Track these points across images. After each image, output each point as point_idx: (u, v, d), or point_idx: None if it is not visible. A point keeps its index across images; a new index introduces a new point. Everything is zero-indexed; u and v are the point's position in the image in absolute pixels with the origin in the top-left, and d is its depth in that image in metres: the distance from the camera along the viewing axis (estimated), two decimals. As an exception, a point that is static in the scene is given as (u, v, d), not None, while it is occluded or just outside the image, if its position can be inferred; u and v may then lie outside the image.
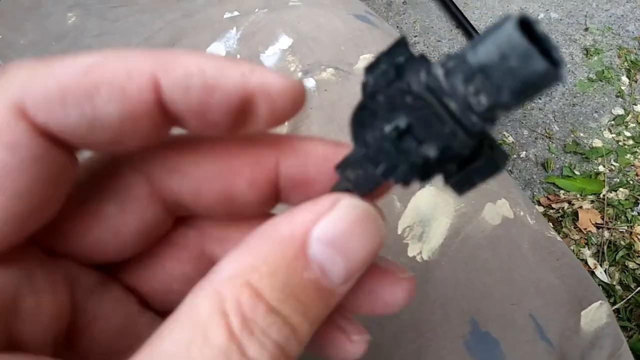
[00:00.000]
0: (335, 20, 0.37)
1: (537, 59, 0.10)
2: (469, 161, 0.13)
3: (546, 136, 0.87)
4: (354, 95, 0.33)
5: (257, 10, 0.39)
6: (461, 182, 0.13)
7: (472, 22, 0.94)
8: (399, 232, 0.30)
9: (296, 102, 0.13)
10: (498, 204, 0.32)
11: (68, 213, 0.14)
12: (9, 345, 0.12)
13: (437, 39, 0.94)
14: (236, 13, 0.40)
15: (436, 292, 0.29)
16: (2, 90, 0.12)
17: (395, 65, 0.12)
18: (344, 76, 0.34)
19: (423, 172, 0.12)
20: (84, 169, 0.14)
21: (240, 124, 0.13)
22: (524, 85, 0.10)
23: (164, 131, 0.13)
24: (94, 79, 0.11)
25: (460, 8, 0.95)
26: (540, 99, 0.90)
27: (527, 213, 0.34)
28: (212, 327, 0.11)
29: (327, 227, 0.13)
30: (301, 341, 0.12)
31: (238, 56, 0.36)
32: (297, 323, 0.12)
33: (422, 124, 0.12)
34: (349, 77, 0.34)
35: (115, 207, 0.14)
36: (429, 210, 0.31)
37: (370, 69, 0.13)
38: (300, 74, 0.34)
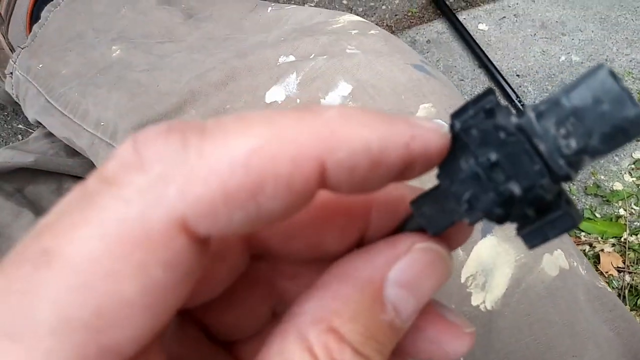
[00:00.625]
0: (394, 69, 0.38)
1: (629, 104, 0.10)
2: (545, 213, 0.13)
3: (568, 177, 0.88)
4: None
5: (312, 55, 0.41)
6: (534, 234, 0.13)
7: (494, 62, 0.96)
8: (462, 280, 0.30)
9: (446, 150, 0.13)
10: (555, 255, 0.33)
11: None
12: None
13: (460, 78, 0.96)
14: (292, 57, 0.41)
15: (500, 342, 0.29)
16: (159, 196, 0.10)
17: (484, 109, 0.13)
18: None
19: (504, 209, 0.12)
20: None
21: (393, 181, 0.13)
22: (615, 129, 0.11)
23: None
24: (258, 174, 0.10)
25: (483, 48, 0.97)
26: (561, 140, 0.91)
27: (579, 264, 0.35)
28: None
29: (403, 270, 0.13)
30: None
31: (298, 100, 0.37)
32: (377, 358, 0.13)
33: (511, 161, 0.12)
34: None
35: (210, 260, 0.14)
36: (490, 259, 0.31)
37: (457, 114, 0.13)
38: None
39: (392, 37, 0.43)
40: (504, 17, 1.04)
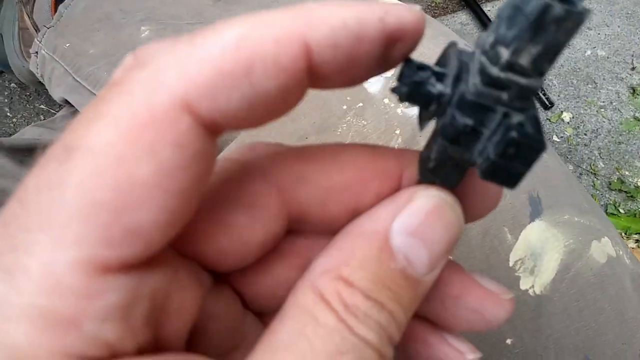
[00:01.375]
0: (439, 51, 0.38)
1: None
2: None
3: (591, 172, 0.87)
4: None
5: None
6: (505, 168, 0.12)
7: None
8: (511, 264, 0.30)
9: (422, 30, 0.13)
10: (602, 242, 0.33)
11: (198, 217, 0.14)
12: (155, 346, 0.13)
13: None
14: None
15: (549, 327, 0.29)
16: (160, 82, 0.11)
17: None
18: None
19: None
20: (215, 175, 0.15)
21: (378, 68, 0.13)
22: (532, 24, 0.10)
23: (303, 95, 0.13)
24: (248, 55, 0.11)
25: (508, 41, 0.96)
26: (585, 134, 0.90)
27: (624, 252, 0.34)
28: (320, 313, 0.12)
29: (406, 218, 0.13)
30: (400, 327, 0.13)
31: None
32: (393, 309, 0.13)
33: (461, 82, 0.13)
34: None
35: (245, 218, 0.14)
36: (539, 244, 0.31)
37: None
38: (407, 102, 0.35)
39: (434, 20, 0.42)
40: (530, 9, 1.02)
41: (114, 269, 0.10)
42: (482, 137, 0.12)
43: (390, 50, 0.12)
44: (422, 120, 0.14)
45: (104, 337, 0.10)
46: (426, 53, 0.38)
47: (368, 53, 0.12)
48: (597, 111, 0.92)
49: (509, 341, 0.29)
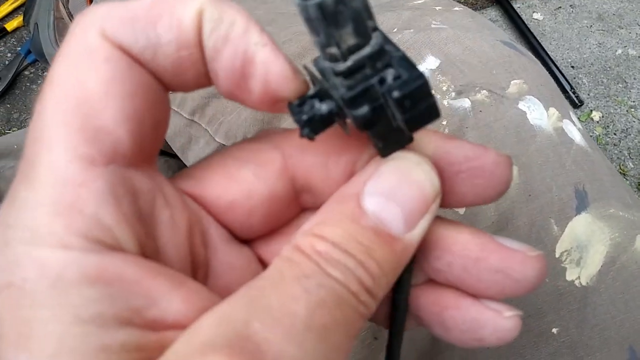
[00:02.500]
0: (484, 44, 0.38)
1: None
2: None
3: (621, 172, 0.87)
4: (508, 118, 0.34)
5: (395, 29, 0.41)
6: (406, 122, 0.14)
7: (549, 52, 0.94)
8: (557, 255, 0.30)
9: (291, 93, 0.14)
10: (646, 237, 0.33)
11: (211, 172, 0.16)
12: (155, 257, 0.14)
13: (512, 67, 0.94)
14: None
15: (595, 317, 0.29)
16: (90, 20, 0.14)
17: None
18: (497, 99, 0.35)
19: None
20: (232, 145, 0.17)
21: (239, 87, 0.15)
22: (303, 19, 0.12)
23: (206, 80, 0.15)
24: (158, 10, 0.14)
25: (538, 38, 0.95)
26: (615, 134, 0.90)
27: (667, 248, 0.34)
28: (297, 259, 0.14)
29: (377, 180, 0.15)
30: (378, 280, 0.14)
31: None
32: (364, 261, 0.14)
33: (324, 89, 0.14)
34: (503, 101, 0.35)
35: (250, 173, 0.16)
36: (585, 236, 0.31)
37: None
38: (453, 94, 0.35)
39: (477, 14, 0.42)
40: (560, 7, 1.02)
41: (98, 162, 0.13)
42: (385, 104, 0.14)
43: (248, 79, 0.15)
44: (384, 147, 0.15)
45: (103, 220, 0.13)
46: (471, 46, 0.39)
47: (228, 61, 0.14)
48: (627, 111, 0.91)
49: (554, 330, 0.29)
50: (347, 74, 0.13)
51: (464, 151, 0.15)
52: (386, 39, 0.13)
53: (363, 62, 0.13)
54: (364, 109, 0.13)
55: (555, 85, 0.39)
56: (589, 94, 0.92)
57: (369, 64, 0.13)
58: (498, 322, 0.15)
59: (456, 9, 0.41)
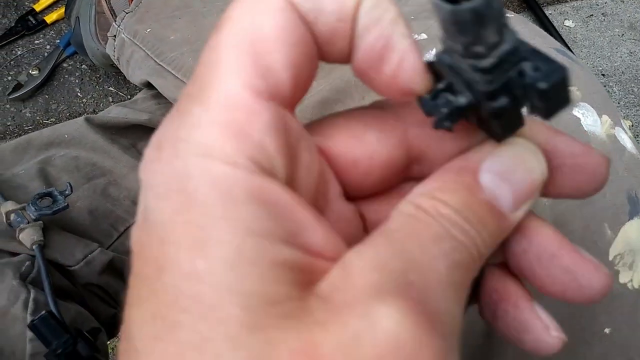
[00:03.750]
0: (539, 51, 0.39)
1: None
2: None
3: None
4: (564, 124, 0.35)
5: (421, 34, 0.42)
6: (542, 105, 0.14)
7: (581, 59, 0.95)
8: (610, 258, 0.31)
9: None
10: (696, 243, 0.34)
11: (337, 130, 0.17)
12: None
13: (543, 74, 0.95)
14: (424, 35, 0.43)
15: (648, 320, 0.30)
16: None
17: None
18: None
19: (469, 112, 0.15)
20: (356, 109, 0.18)
21: (372, 68, 0.16)
22: (448, 21, 0.13)
23: (346, 56, 0.16)
24: None
25: (569, 45, 0.96)
26: (644, 143, 0.90)
27: None
28: (424, 219, 0.15)
29: (495, 160, 0.16)
30: (486, 248, 0.15)
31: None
32: (479, 229, 0.15)
33: (454, 82, 0.15)
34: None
35: (374, 137, 0.17)
36: (638, 241, 0.32)
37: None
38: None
39: (529, 22, 0.43)
40: (592, 15, 1.02)
41: (265, 97, 0.14)
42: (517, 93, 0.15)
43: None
44: (501, 133, 0.16)
45: (266, 148, 0.14)
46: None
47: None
48: (656, 120, 0.92)
49: (607, 330, 0.30)
50: (490, 69, 0.14)
51: (571, 147, 0.17)
52: (516, 34, 0.15)
53: (504, 58, 0.14)
54: (503, 101, 0.15)
55: (606, 93, 0.39)
56: (619, 103, 0.93)
57: (508, 59, 0.14)
58: (543, 335, 0.16)
59: (509, 15, 0.42)
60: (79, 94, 0.92)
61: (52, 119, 0.90)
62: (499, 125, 0.16)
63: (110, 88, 0.93)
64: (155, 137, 0.15)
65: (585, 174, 0.17)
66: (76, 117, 0.91)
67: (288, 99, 0.15)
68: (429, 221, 0.15)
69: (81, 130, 0.57)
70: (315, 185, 0.16)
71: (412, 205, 0.15)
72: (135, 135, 0.60)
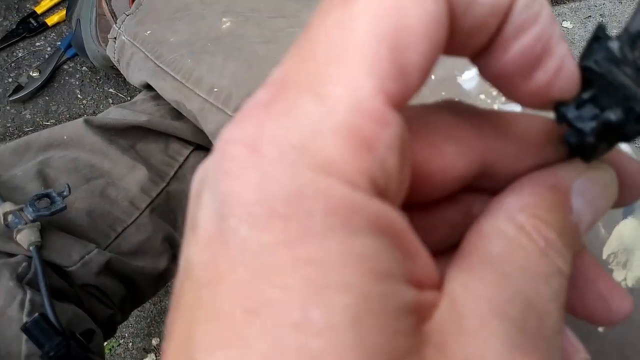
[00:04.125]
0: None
1: None
2: None
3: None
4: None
5: None
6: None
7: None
8: (604, 257, 0.31)
9: None
10: (690, 243, 0.34)
11: (419, 139, 0.15)
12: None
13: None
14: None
15: (641, 318, 0.31)
16: None
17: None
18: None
19: (608, 137, 0.14)
20: (433, 109, 0.16)
21: (521, 72, 0.14)
22: None
23: (479, 53, 0.14)
24: None
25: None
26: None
27: None
28: (524, 241, 0.13)
29: (585, 182, 0.15)
30: (570, 272, 0.14)
31: (432, 77, 0.39)
32: (568, 255, 0.14)
33: (605, 96, 0.14)
34: (552, 106, 0.36)
35: (453, 150, 0.15)
36: (631, 240, 0.32)
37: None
38: (503, 99, 0.37)
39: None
40: (590, 16, 1.02)
41: (395, 102, 0.12)
42: None
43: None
44: (597, 152, 0.15)
45: (387, 165, 0.12)
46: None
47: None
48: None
49: (601, 329, 0.31)
50: None
51: (631, 166, 0.17)
52: None
53: None
54: None
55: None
56: (618, 104, 0.93)
57: None
58: (572, 354, 0.16)
59: None
60: (79, 96, 0.93)
61: (52, 121, 0.91)
62: (607, 148, 0.15)
63: (111, 90, 0.93)
64: (244, 131, 0.11)
65: (638, 191, 0.17)
66: (76, 118, 0.91)
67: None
68: (536, 251, 0.14)
69: (80, 131, 0.58)
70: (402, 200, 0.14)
71: (513, 224, 0.14)
72: (134, 136, 0.61)
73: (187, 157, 0.62)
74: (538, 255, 0.13)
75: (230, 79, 0.56)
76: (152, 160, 0.60)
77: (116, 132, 0.60)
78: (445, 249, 0.17)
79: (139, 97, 0.69)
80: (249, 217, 0.11)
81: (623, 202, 0.17)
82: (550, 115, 0.16)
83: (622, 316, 0.16)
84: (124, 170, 0.57)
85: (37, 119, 0.90)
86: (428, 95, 0.38)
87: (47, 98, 0.92)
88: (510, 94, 0.15)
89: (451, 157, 0.15)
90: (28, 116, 0.90)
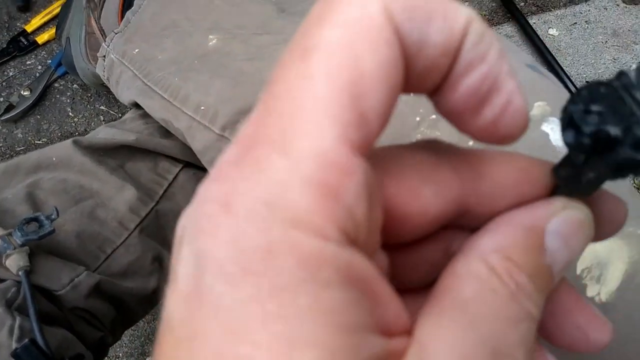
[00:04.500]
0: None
1: None
2: None
3: (635, 187, 0.88)
4: (531, 140, 0.36)
5: None
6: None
7: (564, 67, 0.96)
8: (578, 272, 0.32)
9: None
10: (664, 255, 0.34)
11: (393, 182, 0.15)
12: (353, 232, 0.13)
13: (528, 82, 0.96)
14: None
15: (615, 332, 0.31)
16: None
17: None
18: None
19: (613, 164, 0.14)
20: (409, 150, 0.16)
21: (470, 109, 0.14)
22: None
23: (431, 91, 0.14)
24: (433, 6, 0.13)
25: (553, 53, 0.97)
26: None
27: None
28: (495, 284, 0.14)
29: (561, 222, 0.15)
30: (540, 314, 0.14)
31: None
32: (539, 298, 0.14)
33: (611, 113, 0.14)
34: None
35: (431, 193, 0.15)
36: (605, 254, 0.33)
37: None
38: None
39: (503, 37, 0.44)
40: (575, 23, 1.03)
41: (360, 149, 0.12)
42: None
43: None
44: (568, 165, 0.15)
45: (355, 212, 0.12)
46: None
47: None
48: (642, 126, 0.93)
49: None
50: None
51: (612, 203, 0.16)
52: None
53: None
54: None
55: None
56: (604, 109, 0.94)
57: None
58: None
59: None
60: (70, 114, 0.93)
61: (43, 139, 0.91)
62: (596, 184, 0.15)
63: (102, 107, 0.94)
64: (217, 190, 0.12)
65: (616, 228, 0.17)
66: (68, 136, 0.92)
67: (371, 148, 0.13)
68: (506, 294, 0.14)
69: (69, 152, 0.58)
70: (376, 244, 0.14)
71: (484, 265, 0.14)
72: (123, 156, 0.61)
73: (177, 175, 0.63)
74: (508, 299, 0.14)
75: (217, 96, 0.56)
76: (141, 179, 0.61)
77: (105, 152, 0.60)
78: (427, 286, 0.17)
79: (128, 115, 0.70)
80: (223, 274, 0.11)
81: (599, 237, 0.17)
82: (527, 152, 0.16)
83: (601, 346, 0.16)
84: (112, 191, 0.57)
85: (29, 138, 0.91)
86: (408, 113, 0.39)
87: (38, 117, 0.92)
88: (463, 130, 0.15)
89: (428, 199, 0.15)
90: (20, 135, 0.91)
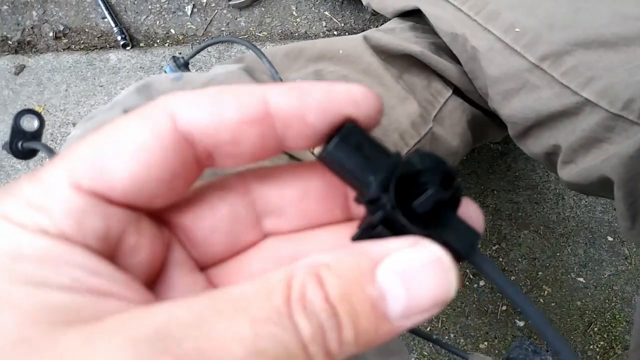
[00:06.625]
0: None
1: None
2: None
3: None
4: None
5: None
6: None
7: None
8: None
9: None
10: None
11: (185, 207, 0.18)
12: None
13: None
14: None
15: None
16: (157, 102, 0.15)
17: None
18: None
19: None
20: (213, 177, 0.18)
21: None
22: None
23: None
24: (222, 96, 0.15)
25: None
26: None
27: None
28: (276, 291, 0.13)
29: (401, 259, 0.14)
30: (343, 346, 0.13)
31: None
32: (344, 324, 0.13)
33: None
34: None
35: (215, 197, 0.18)
36: None
37: None
38: None
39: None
40: None
41: (83, 190, 0.15)
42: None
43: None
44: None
45: (59, 226, 0.14)
46: None
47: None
48: None
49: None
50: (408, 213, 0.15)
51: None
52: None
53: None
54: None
55: None
56: None
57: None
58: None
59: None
60: (294, 13, 0.89)
61: (264, 33, 0.89)
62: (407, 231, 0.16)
63: (326, 12, 0.89)
64: None
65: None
66: (287, 35, 0.89)
67: (126, 199, 0.15)
68: (277, 304, 0.13)
69: (358, 49, 0.54)
70: (148, 263, 0.16)
71: (284, 273, 0.14)
72: (401, 66, 0.56)
73: (447, 100, 0.57)
74: (274, 308, 0.13)
75: (544, 20, 0.48)
76: (417, 95, 0.55)
77: (386, 57, 0.55)
78: None
79: (395, 25, 0.63)
80: None
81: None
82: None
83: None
84: (394, 100, 0.52)
85: (251, 28, 0.89)
86: None
87: (263, 9, 0.89)
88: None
89: (212, 202, 0.18)
90: (242, 24, 0.89)
